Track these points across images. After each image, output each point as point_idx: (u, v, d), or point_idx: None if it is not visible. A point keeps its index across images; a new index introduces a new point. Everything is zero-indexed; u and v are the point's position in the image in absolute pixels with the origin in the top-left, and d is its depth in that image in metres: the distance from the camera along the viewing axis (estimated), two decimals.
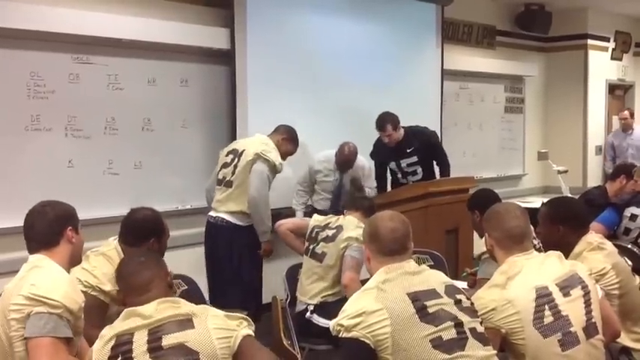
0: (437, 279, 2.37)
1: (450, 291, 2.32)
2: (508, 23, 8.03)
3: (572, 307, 2.41)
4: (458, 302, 2.29)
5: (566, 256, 2.96)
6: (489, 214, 2.69)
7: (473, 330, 2.25)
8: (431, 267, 3.02)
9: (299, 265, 4.05)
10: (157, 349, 1.98)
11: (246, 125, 5.26)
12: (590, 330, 2.43)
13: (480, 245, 3.83)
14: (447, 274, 2.54)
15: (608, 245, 3.00)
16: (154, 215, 3.03)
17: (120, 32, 4.61)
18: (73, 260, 2.53)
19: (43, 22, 4.22)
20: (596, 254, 2.89)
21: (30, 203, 2.66)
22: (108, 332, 2.06)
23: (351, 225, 3.82)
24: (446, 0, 6.75)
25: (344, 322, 2.17)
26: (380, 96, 6.25)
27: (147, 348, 1.98)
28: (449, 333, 2.18)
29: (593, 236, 3.02)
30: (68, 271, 2.44)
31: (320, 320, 3.67)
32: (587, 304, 2.46)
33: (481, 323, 2.31)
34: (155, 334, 2.01)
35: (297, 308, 3.86)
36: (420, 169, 5.47)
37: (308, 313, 3.74)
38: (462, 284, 3.32)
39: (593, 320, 2.45)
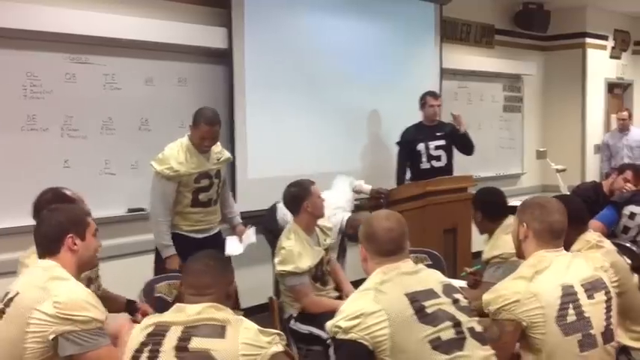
0: (434, 278, 2.36)
1: (448, 290, 2.31)
2: (507, 22, 8.03)
3: (594, 310, 2.42)
4: (456, 302, 2.28)
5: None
6: (531, 204, 2.63)
7: (471, 329, 2.24)
8: (429, 266, 3.02)
9: None
10: (183, 349, 1.98)
11: (244, 125, 5.25)
12: (607, 336, 2.43)
13: (479, 244, 3.82)
14: (445, 274, 2.53)
15: (607, 243, 3.00)
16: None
17: (117, 32, 4.59)
18: (82, 268, 2.52)
19: (39, 22, 4.21)
20: (594, 252, 2.88)
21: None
22: (152, 319, 2.10)
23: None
24: None
25: (342, 323, 2.16)
26: (379, 95, 6.24)
27: (175, 345, 1.99)
28: (448, 333, 2.18)
29: (592, 234, 3.01)
30: (77, 279, 2.43)
31: (301, 327, 3.64)
32: (608, 309, 2.47)
33: (479, 322, 2.29)
34: (187, 333, 2.01)
35: (284, 316, 3.84)
36: (444, 156, 5.71)
37: (292, 321, 3.71)
38: (460, 283, 3.31)
39: (611, 327, 2.46)
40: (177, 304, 2.13)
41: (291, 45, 5.58)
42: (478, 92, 7.67)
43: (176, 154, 3.98)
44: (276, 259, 3.67)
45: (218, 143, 4.20)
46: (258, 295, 4.34)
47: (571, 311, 2.36)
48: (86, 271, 2.57)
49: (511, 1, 7.89)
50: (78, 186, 4.41)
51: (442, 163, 5.73)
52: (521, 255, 2.60)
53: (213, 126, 3.99)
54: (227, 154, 4.33)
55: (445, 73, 6.92)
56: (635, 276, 2.97)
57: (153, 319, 2.11)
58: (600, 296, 2.46)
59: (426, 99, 5.74)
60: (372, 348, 2.12)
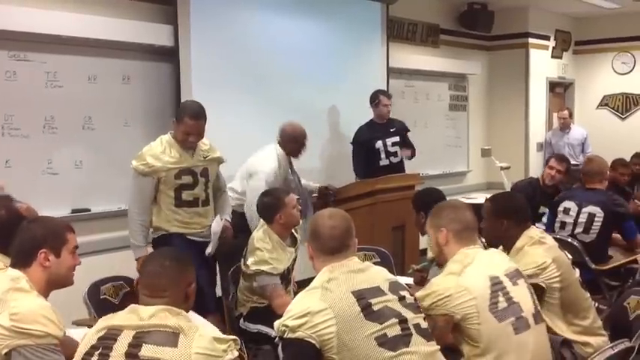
0: (381, 276, 2.37)
1: (394, 288, 2.33)
2: (452, 22, 8.14)
3: (521, 295, 2.52)
4: (402, 299, 2.30)
5: (509, 250, 3.04)
6: (443, 208, 2.73)
7: (417, 326, 2.26)
8: (377, 263, 3.05)
9: None
10: (133, 356, 1.91)
11: None
12: (537, 317, 2.54)
13: (426, 242, 3.87)
14: (393, 271, 2.56)
15: (549, 239, 3.07)
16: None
17: (59, 28, 4.49)
18: (53, 285, 2.43)
19: None
20: (537, 248, 2.95)
21: None
22: (104, 322, 2.03)
23: None
24: None
25: (289, 322, 2.15)
26: (327, 94, 6.26)
27: (125, 351, 1.92)
28: (394, 330, 2.19)
29: (535, 231, 3.08)
30: (46, 295, 2.36)
31: (250, 326, 3.63)
32: (531, 294, 2.59)
33: (424, 318, 2.32)
34: (139, 339, 1.94)
35: (233, 314, 3.82)
36: (399, 152, 6.01)
37: (241, 321, 3.69)
38: (407, 280, 3.35)
39: (538, 309, 2.57)
40: (132, 305, 2.06)
41: (239, 43, 5.55)
42: (424, 91, 7.76)
43: (153, 148, 3.81)
44: (251, 259, 3.60)
45: (207, 140, 4.00)
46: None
47: (501, 298, 2.45)
48: (59, 288, 2.48)
49: (456, 1, 8.00)
50: (20, 186, 4.32)
51: (398, 159, 6.03)
52: (443, 261, 2.66)
53: (198, 120, 3.79)
54: (217, 153, 4.06)
55: (392, 72, 6.98)
56: (577, 271, 3.05)
57: (105, 321, 2.04)
58: (522, 282, 2.58)
59: (380, 98, 5.94)
60: (319, 346, 2.12)
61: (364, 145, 5.93)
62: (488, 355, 2.40)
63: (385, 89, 6.23)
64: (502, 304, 2.44)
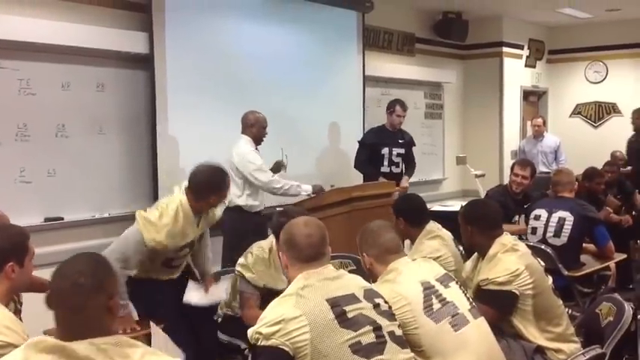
0: (356, 283, 2.38)
1: (369, 295, 2.34)
2: (427, 31, 8.20)
3: (454, 294, 2.59)
4: (376, 306, 2.31)
5: (482, 257, 3.07)
6: (363, 233, 2.81)
7: (391, 333, 2.27)
8: (353, 271, 3.05)
9: (220, 273, 3.99)
10: None
11: (166, 131, 5.17)
12: (474, 312, 2.59)
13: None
14: (368, 278, 2.57)
15: (522, 247, 3.10)
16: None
17: (32, 35, 4.44)
18: (13, 292, 2.43)
19: None
20: (510, 255, 2.98)
21: None
22: None
23: None
24: (366, 7, 6.83)
25: (262, 329, 2.15)
26: (303, 102, 6.27)
27: None
28: (368, 337, 2.20)
29: (508, 238, 3.11)
30: (7, 303, 2.33)
31: (222, 337, 3.60)
32: (464, 293, 2.66)
33: (398, 326, 2.34)
34: None
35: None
36: (402, 164, 6.22)
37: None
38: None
39: (474, 305, 2.63)
40: (56, 344, 1.71)
41: (214, 51, 5.54)
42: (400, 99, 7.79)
43: (172, 225, 3.35)
44: (242, 260, 3.54)
45: None
46: None
47: (435, 300, 2.51)
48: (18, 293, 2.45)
49: (431, 10, 8.06)
50: None
51: (399, 170, 6.23)
52: (375, 278, 2.70)
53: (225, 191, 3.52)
54: (219, 212, 3.75)
55: (368, 81, 7.01)
56: (550, 278, 3.08)
57: None
58: (454, 284, 2.66)
59: (395, 107, 6.15)
60: (292, 353, 2.12)
61: (370, 147, 6.11)
62: (434, 358, 2.43)
63: (403, 100, 6.39)
64: (436, 305, 2.50)
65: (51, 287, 1.83)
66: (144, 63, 5.10)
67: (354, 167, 6.26)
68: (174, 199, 3.44)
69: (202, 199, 3.43)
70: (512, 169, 5.55)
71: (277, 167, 5.25)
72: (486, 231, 3.11)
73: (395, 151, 6.17)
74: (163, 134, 5.15)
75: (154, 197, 5.08)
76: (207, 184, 3.45)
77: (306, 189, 5.02)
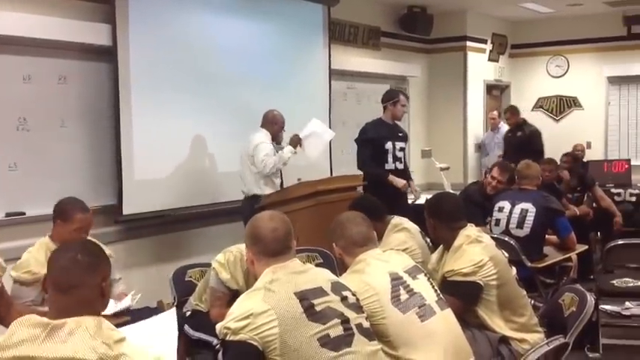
0: (323, 277, 2.39)
1: (336, 288, 2.34)
2: (392, 25, 8.23)
3: (421, 286, 2.62)
4: (344, 299, 2.32)
5: (447, 249, 3.11)
6: (334, 225, 2.83)
7: (359, 326, 2.29)
8: (320, 265, 3.07)
9: (187, 267, 3.97)
10: None
11: (130, 124, 5.10)
12: (441, 304, 2.62)
13: None
14: (335, 271, 2.59)
15: (486, 238, 3.15)
16: None
17: None
18: None
19: None
20: (474, 247, 3.02)
21: None
22: (11, 349, 1.76)
23: None
24: (332, 1, 6.83)
25: (231, 324, 2.14)
26: (269, 95, 6.24)
27: None
28: (336, 330, 2.21)
29: (472, 230, 3.15)
30: None
31: (192, 333, 3.58)
32: (432, 285, 2.69)
33: (366, 318, 2.35)
34: None
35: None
36: (403, 159, 5.77)
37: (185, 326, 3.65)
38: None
39: (441, 297, 2.66)
40: (40, 320, 1.78)
41: (179, 43, 5.48)
42: (366, 93, 7.83)
43: None
44: (220, 257, 3.50)
45: None
46: (147, 298, 4.23)
47: (402, 291, 2.54)
48: None
49: (396, 4, 8.09)
50: None
51: (402, 166, 5.80)
52: (346, 268, 2.73)
53: None
54: None
55: (334, 74, 7.02)
56: (513, 268, 3.13)
57: (12, 349, 1.76)
58: (422, 276, 2.69)
59: (399, 97, 5.75)
60: (261, 348, 2.12)
61: (372, 142, 5.65)
62: (401, 348, 2.45)
63: (402, 89, 6.29)
64: (403, 296, 2.53)
65: (49, 266, 1.91)
66: (107, 55, 5.02)
67: (359, 168, 5.75)
68: None
69: None
70: (490, 169, 5.55)
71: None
72: (448, 223, 3.16)
73: (397, 144, 5.71)
74: (127, 128, 5.08)
75: (118, 192, 5.03)
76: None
77: (288, 150, 5.29)
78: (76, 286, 1.84)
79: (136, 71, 5.12)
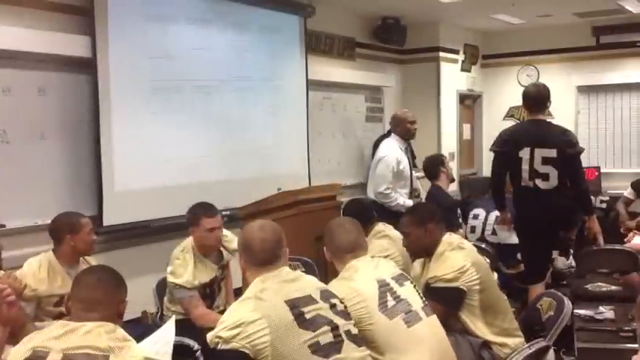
0: (312, 285, 2.44)
1: (325, 296, 2.40)
2: (367, 36, 8.32)
3: (408, 292, 2.70)
4: (333, 306, 2.38)
5: (430, 256, 3.19)
6: (325, 231, 2.92)
7: (348, 332, 2.35)
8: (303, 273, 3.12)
9: None
10: None
11: (110, 135, 5.10)
12: (426, 310, 2.70)
13: None
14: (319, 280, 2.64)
15: (467, 245, 3.24)
16: None
17: None
18: None
19: None
20: (457, 253, 3.11)
21: None
22: (32, 341, 1.97)
23: None
24: (308, 12, 6.90)
25: (222, 333, 2.18)
26: (248, 105, 6.29)
27: None
28: (326, 337, 2.27)
29: (454, 237, 3.24)
30: None
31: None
32: (418, 292, 2.78)
33: (354, 325, 2.41)
34: None
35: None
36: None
37: None
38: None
39: (426, 303, 2.74)
40: (63, 321, 2.04)
41: (158, 54, 5.50)
42: (342, 103, 7.90)
43: None
44: (169, 268, 3.63)
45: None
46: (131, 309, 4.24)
47: (389, 298, 2.61)
48: None
49: (370, 15, 8.18)
50: None
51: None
52: (334, 271, 2.83)
53: None
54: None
55: (311, 84, 7.07)
56: (495, 274, 3.22)
57: (33, 341, 1.98)
58: (408, 283, 2.76)
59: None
60: (253, 356, 2.16)
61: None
62: (388, 353, 2.52)
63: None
64: (390, 302, 2.59)
65: (74, 286, 2.12)
66: (87, 67, 5.01)
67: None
68: None
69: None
70: (443, 163, 5.71)
71: None
72: (441, 224, 3.24)
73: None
74: (107, 139, 5.07)
75: (98, 204, 5.03)
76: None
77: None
78: (100, 302, 2.04)
79: (115, 82, 5.13)
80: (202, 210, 3.78)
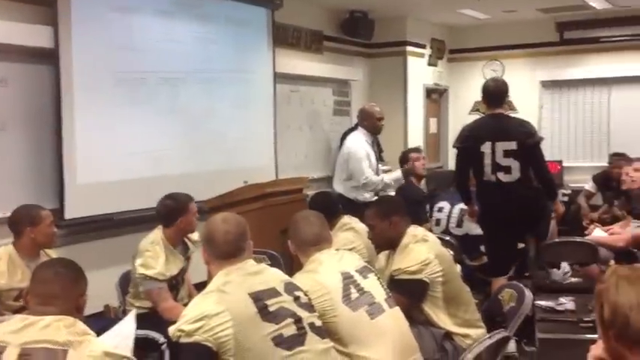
0: (276, 277, 2.45)
1: (289, 288, 2.41)
2: (335, 29, 8.32)
3: (372, 285, 2.72)
4: (297, 299, 2.39)
5: (394, 248, 3.22)
6: (290, 223, 2.92)
7: (311, 325, 2.36)
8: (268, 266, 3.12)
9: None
10: None
11: (72, 127, 5.03)
12: (390, 302, 2.73)
13: None
14: (283, 272, 2.65)
15: (431, 237, 3.28)
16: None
17: None
18: None
19: None
20: (420, 246, 3.14)
21: None
22: None
23: None
24: (275, 4, 6.88)
25: (184, 327, 2.18)
26: (214, 98, 6.26)
27: None
28: (289, 329, 2.27)
29: (418, 229, 3.27)
30: None
31: (137, 332, 3.60)
32: (381, 284, 2.80)
33: (318, 317, 2.43)
34: (25, 357, 1.88)
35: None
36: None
37: None
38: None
39: (390, 295, 2.77)
40: (22, 315, 2.01)
41: (122, 45, 5.43)
42: (309, 96, 7.90)
43: None
44: (138, 261, 3.58)
45: None
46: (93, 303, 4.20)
47: (353, 290, 2.63)
48: None
49: (338, 9, 8.19)
50: None
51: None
52: (301, 266, 2.82)
53: None
54: None
55: (278, 77, 7.06)
56: (458, 266, 3.26)
57: None
58: (372, 275, 2.79)
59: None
60: (216, 349, 2.16)
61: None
62: (352, 345, 2.54)
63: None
64: (354, 294, 2.62)
65: (32, 279, 2.10)
66: (49, 58, 4.93)
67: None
68: None
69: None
70: (408, 159, 6.01)
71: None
72: (406, 216, 3.27)
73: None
74: (69, 131, 5.00)
75: (60, 197, 4.96)
76: None
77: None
78: (57, 296, 2.00)
79: (78, 74, 5.05)
80: (185, 196, 3.80)
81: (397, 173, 5.81)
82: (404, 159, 6.02)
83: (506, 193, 4.40)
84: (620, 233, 4.98)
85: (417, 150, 6.17)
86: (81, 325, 2.00)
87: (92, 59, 5.17)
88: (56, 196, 4.96)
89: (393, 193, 5.96)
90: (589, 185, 7.20)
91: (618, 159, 6.61)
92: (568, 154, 9.32)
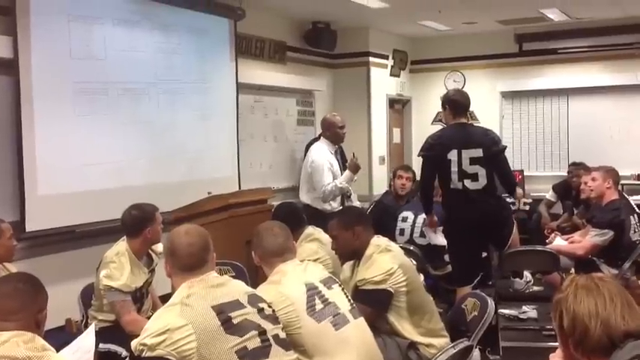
0: (240, 289, 2.44)
1: (253, 300, 2.40)
2: (298, 40, 8.34)
3: (336, 295, 2.72)
4: (260, 310, 2.37)
5: (359, 259, 3.23)
6: (254, 234, 2.91)
7: (276, 337, 2.35)
8: (232, 277, 3.10)
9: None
10: None
11: (32, 138, 4.94)
12: (354, 313, 2.73)
13: None
14: (247, 284, 2.63)
15: (395, 247, 3.29)
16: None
17: None
18: None
19: None
20: (384, 256, 3.15)
21: None
22: None
23: None
24: (238, 15, 6.87)
25: (147, 340, 2.15)
26: (176, 108, 6.21)
27: None
28: (254, 342, 2.26)
29: (382, 240, 3.28)
30: None
31: (100, 346, 3.55)
32: (346, 295, 2.80)
33: (282, 329, 2.42)
34: None
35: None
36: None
37: None
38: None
39: (354, 306, 2.77)
40: None
41: (84, 55, 5.36)
42: (273, 106, 7.90)
43: None
44: (103, 272, 3.52)
45: None
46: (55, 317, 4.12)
47: (317, 301, 2.63)
48: None
49: (301, 20, 8.21)
50: None
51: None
52: (263, 275, 2.83)
53: None
54: None
55: (242, 88, 7.04)
56: (421, 276, 3.28)
57: None
58: (337, 287, 2.79)
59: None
60: None
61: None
62: (316, 356, 2.54)
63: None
64: (319, 305, 2.61)
65: None
66: (8, 68, 4.84)
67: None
68: None
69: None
70: (394, 174, 5.95)
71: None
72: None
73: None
74: (29, 141, 4.91)
75: (20, 209, 4.87)
76: None
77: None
78: (16, 312, 1.98)
79: (38, 84, 4.97)
80: (150, 206, 3.77)
81: (347, 173, 5.81)
82: (394, 174, 6.06)
83: (471, 201, 4.46)
84: (580, 242, 5.07)
85: (403, 168, 6.14)
86: (40, 341, 1.98)
87: (52, 69, 5.10)
88: (16, 208, 4.86)
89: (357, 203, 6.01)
90: (549, 194, 7.32)
91: (577, 168, 6.73)
92: (529, 163, 9.46)
